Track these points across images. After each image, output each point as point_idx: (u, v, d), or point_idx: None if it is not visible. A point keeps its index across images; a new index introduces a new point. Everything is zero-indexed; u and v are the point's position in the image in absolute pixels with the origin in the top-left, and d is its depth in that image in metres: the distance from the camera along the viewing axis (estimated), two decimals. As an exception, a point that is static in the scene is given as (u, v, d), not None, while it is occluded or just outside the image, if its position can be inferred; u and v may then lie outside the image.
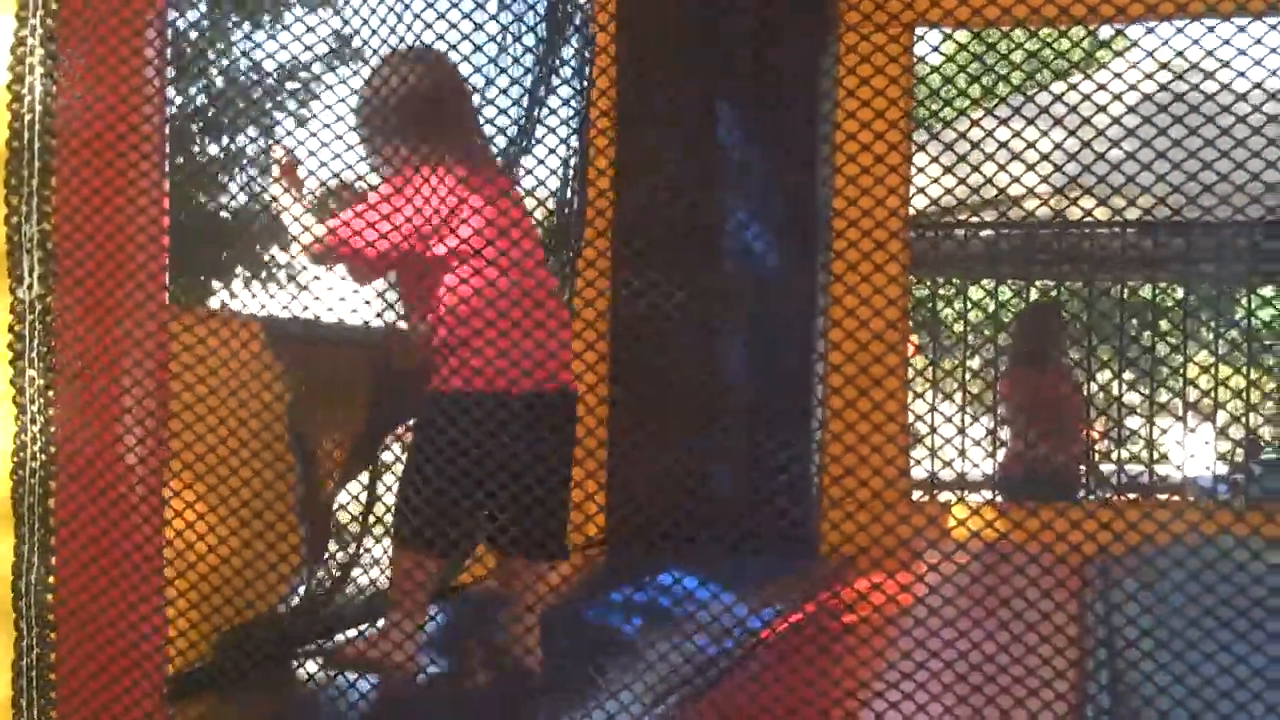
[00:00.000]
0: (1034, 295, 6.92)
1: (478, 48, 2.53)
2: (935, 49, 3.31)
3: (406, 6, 2.44)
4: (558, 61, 2.88)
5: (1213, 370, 6.80)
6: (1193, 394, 7.05)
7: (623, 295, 3.76)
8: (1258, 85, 2.36)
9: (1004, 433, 6.18)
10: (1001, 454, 6.16)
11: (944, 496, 5.55)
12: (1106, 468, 6.46)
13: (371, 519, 2.75)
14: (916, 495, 4.94)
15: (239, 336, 2.46)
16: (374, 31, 2.42)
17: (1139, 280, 7.13)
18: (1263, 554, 2.69)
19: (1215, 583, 2.61)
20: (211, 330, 2.43)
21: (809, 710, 2.33)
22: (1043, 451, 5.81)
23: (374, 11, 2.42)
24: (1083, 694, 2.60)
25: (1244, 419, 6.89)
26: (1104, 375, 6.96)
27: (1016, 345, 6.35)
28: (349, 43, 2.59)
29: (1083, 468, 6.17)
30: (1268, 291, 7.22)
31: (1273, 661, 2.36)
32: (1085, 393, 6.38)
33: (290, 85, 2.71)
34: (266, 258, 7.70)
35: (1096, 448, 6.52)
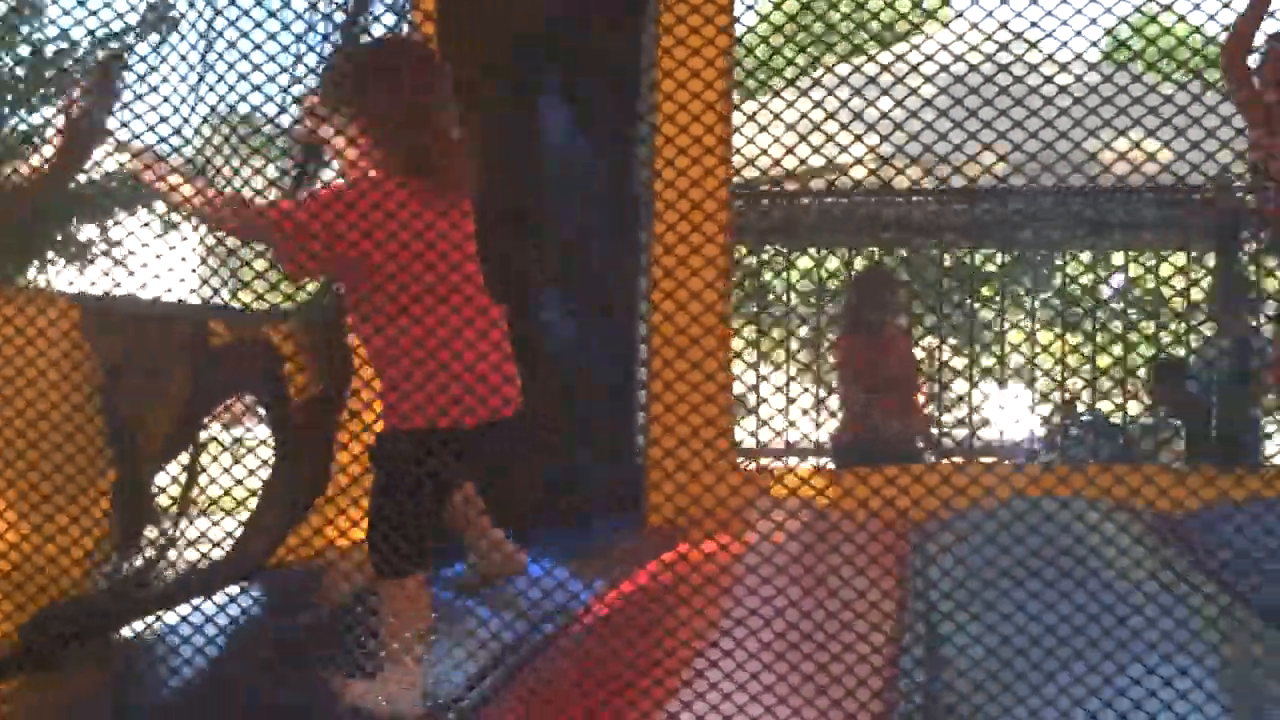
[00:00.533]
0: (861, 263, 7.05)
1: (299, 38, 2.51)
2: (757, 25, 3.35)
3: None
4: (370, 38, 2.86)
5: (1031, 336, 7.04)
6: (1014, 359, 7.28)
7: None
8: (1078, 57, 2.44)
9: (836, 399, 6.27)
10: (833, 421, 6.26)
11: (770, 463, 5.64)
12: (933, 432, 6.61)
13: (191, 498, 2.72)
14: (742, 463, 5.02)
15: (47, 315, 2.40)
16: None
17: (963, 248, 7.31)
18: (1069, 505, 2.82)
19: (1023, 536, 2.72)
20: (18, 310, 2.37)
21: (635, 677, 2.37)
22: (874, 416, 5.91)
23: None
24: (898, 650, 2.69)
25: (1061, 384, 7.15)
26: (930, 341, 7.15)
27: (848, 312, 6.42)
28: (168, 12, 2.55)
29: (914, 432, 6.28)
30: (1085, 258, 7.49)
31: (1077, 609, 2.48)
32: (915, 358, 6.50)
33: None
34: (83, 235, 7.40)
35: (925, 412, 6.68)
